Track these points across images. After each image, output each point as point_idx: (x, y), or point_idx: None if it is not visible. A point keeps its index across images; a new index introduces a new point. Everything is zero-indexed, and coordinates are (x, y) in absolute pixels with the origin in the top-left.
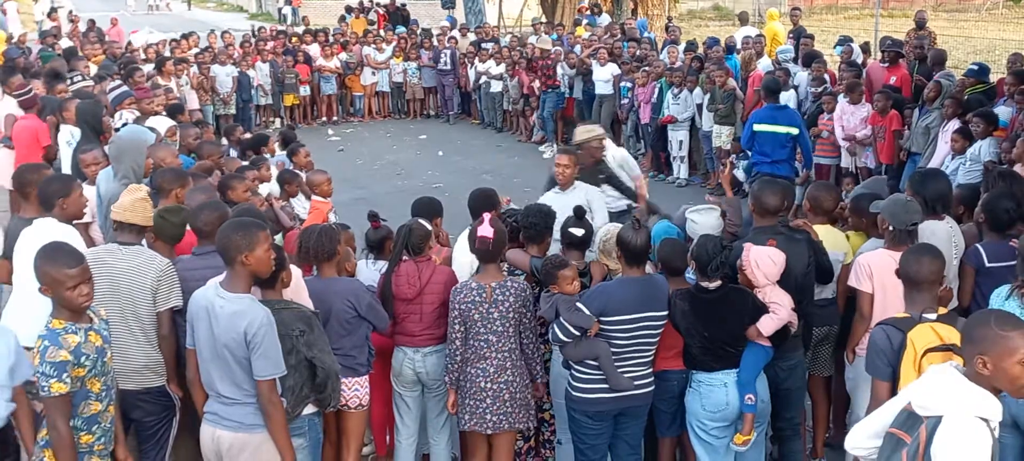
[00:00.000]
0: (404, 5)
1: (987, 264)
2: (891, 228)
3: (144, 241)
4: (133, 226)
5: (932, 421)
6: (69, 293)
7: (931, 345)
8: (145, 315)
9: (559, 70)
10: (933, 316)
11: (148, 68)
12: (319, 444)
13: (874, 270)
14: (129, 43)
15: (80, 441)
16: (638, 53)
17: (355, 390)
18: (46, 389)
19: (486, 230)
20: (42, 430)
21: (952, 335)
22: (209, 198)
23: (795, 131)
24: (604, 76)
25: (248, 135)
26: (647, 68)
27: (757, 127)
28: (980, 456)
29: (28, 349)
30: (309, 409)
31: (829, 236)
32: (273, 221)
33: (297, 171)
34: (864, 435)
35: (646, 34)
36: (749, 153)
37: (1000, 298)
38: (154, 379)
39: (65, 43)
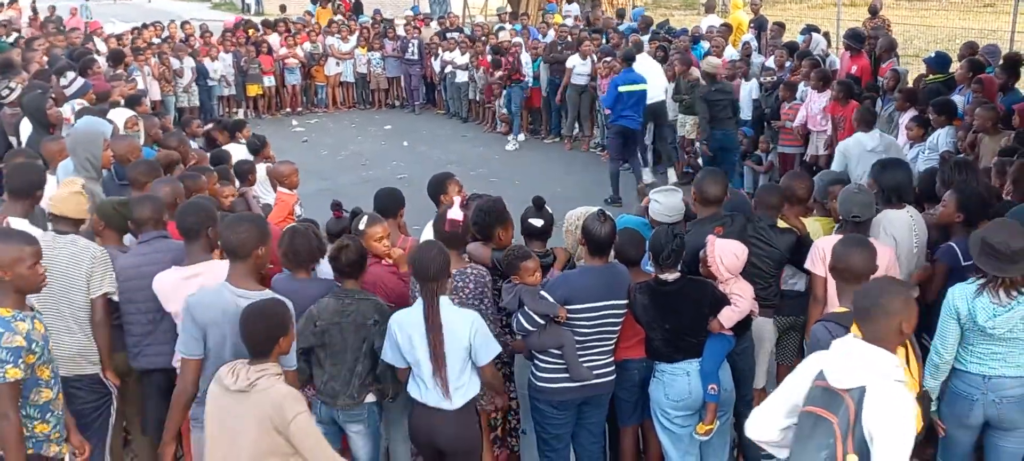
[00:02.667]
0: None
1: (963, 262)
2: (841, 217)
3: (92, 233)
4: (67, 219)
5: (856, 392)
6: (30, 271)
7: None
8: (79, 303)
9: (524, 60)
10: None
11: (102, 60)
12: (378, 433)
13: (827, 255)
14: (95, 34)
15: (35, 430)
16: (608, 44)
17: None
18: (1, 376)
19: (456, 213)
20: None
21: None
22: (174, 189)
23: (645, 87)
24: (584, 68)
25: (208, 126)
26: (608, 59)
27: (622, 88)
28: (911, 417)
29: None
30: (370, 398)
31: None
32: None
33: (252, 160)
34: (772, 421)
35: (623, 25)
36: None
37: (966, 297)
38: (87, 367)
39: (25, 33)
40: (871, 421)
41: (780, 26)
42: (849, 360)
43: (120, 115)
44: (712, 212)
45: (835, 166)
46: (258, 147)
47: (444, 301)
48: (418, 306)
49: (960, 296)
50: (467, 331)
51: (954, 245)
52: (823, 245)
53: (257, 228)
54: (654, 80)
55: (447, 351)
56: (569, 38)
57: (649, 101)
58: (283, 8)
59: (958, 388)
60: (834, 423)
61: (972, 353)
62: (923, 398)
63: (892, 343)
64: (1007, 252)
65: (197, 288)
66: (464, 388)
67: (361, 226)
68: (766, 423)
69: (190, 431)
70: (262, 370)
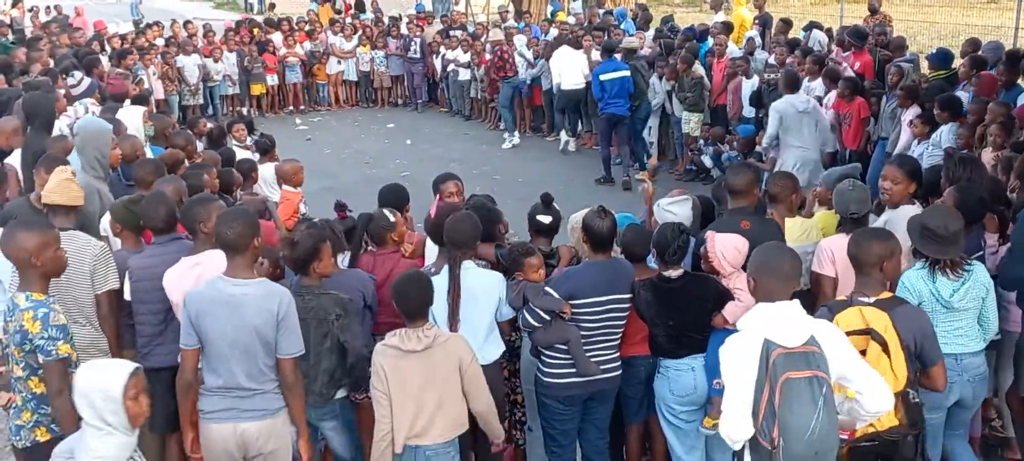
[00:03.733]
0: None
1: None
2: (839, 215)
3: (108, 232)
4: (62, 207)
5: (812, 342)
6: (56, 253)
7: (855, 328)
8: (84, 299)
9: (518, 58)
10: (868, 300)
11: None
12: (351, 426)
13: (835, 254)
14: (100, 34)
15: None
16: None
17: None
18: (53, 353)
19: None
20: (28, 412)
21: (878, 318)
22: (177, 188)
23: (626, 73)
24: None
25: (210, 126)
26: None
27: (602, 77)
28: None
29: None
30: (341, 393)
31: (796, 228)
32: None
33: (254, 158)
34: (744, 418)
35: (622, 24)
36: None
37: (923, 279)
38: (100, 357)
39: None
40: (836, 359)
41: (786, 22)
42: (789, 320)
43: (131, 113)
44: (741, 204)
45: (770, 126)
46: (268, 147)
47: (470, 265)
48: (444, 273)
49: (917, 279)
50: (497, 289)
51: None
52: (829, 245)
53: (251, 222)
54: (573, 68)
55: (471, 313)
56: (572, 35)
57: (567, 87)
58: (272, 6)
59: None
60: (825, 376)
61: (938, 333)
62: (905, 399)
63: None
64: (946, 234)
65: (196, 278)
66: (489, 348)
67: (391, 219)
68: (741, 423)
69: (198, 424)
70: (429, 328)
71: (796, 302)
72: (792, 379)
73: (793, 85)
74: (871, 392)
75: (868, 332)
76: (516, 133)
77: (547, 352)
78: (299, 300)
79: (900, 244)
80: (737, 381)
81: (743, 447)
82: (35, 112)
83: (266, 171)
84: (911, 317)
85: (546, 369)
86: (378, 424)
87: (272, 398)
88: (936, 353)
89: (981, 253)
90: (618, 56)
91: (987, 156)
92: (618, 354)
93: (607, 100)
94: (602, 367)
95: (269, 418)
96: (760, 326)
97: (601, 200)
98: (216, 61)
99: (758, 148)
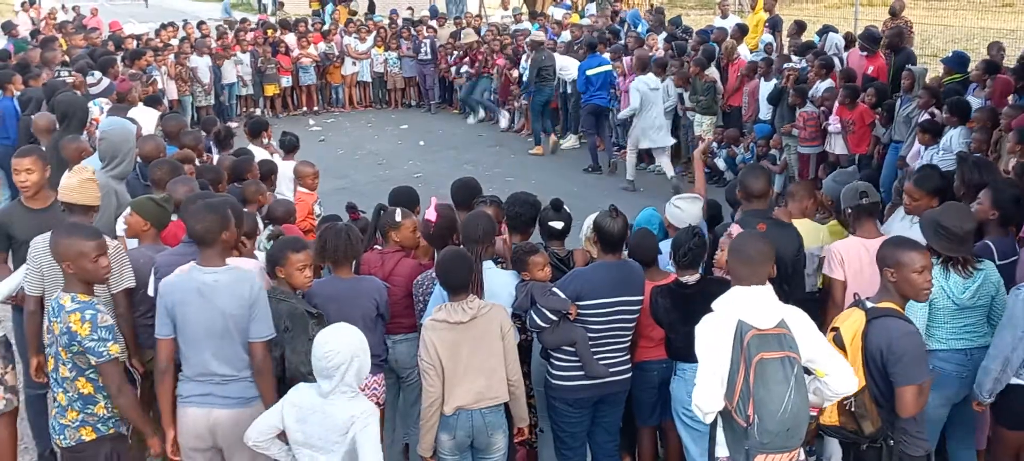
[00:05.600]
0: None
1: (998, 261)
2: (847, 210)
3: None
4: (80, 206)
5: (783, 325)
6: (94, 264)
7: (844, 327)
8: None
9: (523, 60)
10: (869, 304)
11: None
12: None
13: (845, 257)
14: (116, 34)
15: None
16: (622, 44)
17: (373, 390)
18: (105, 354)
19: (431, 213)
20: (99, 404)
21: (851, 323)
22: (190, 189)
23: (609, 67)
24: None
25: (218, 126)
26: (628, 58)
27: (588, 71)
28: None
29: None
30: None
31: (806, 230)
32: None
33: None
34: (716, 392)
35: (639, 27)
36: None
37: (937, 278)
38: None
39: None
40: (805, 342)
41: (799, 25)
42: (761, 303)
43: (146, 114)
44: (756, 207)
45: (632, 101)
46: (293, 146)
47: (487, 264)
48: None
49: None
50: (512, 284)
51: (990, 243)
52: (839, 249)
53: (221, 215)
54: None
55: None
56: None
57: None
58: (281, 5)
59: (944, 369)
60: (796, 358)
61: (947, 330)
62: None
63: None
64: (960, 232)
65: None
66: None
67: (398, 218)
68: (713, 395)
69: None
70: (472, 300)
71: (768, 287)
72: (766, 359)
73: (643, 67)
74: (836, 374)
75: (834, 330)
76: (504, 115)
77: (556, 354)
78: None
79: (928, 260)
80: (711, 357)
81: (717, 424)
82: (70, 112)
83: (287, 169)
84: (887, 330)
85: (555, 371)
86: (426, 393)
87: (248, 386)
88: (913, 375)
89: (1016, 257)
90: (603, 52)
91: (1009, 165)
92: (628, 356)
93: (592, 93)
94: (611, 369)
95: (242, 407)
96: (734, 308)
97: (595, 191)
98: (224, 60)
99: (622, 115)
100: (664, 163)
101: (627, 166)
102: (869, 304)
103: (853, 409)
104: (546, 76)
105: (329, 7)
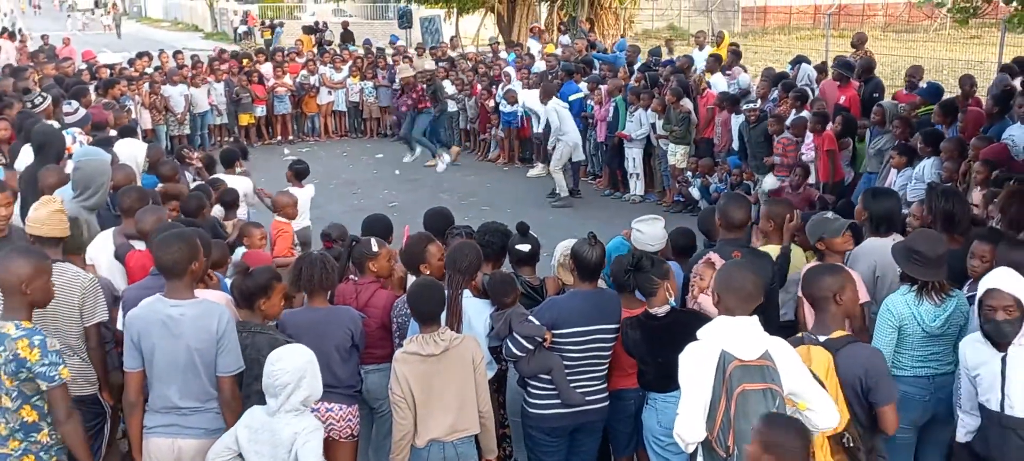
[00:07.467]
0: (347, 24)
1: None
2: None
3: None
4: (49, 239)
5: (766, 355)
6: (46, 284)
7: (813, 367)
8: (71, 330)
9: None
10: (820, 338)
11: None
12: None
13: None
14: (90, 63)
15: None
16: (597, 74)
17: (348, 421)
18: (56, 378)
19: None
20: (42, 432)
21: (820, 359)
22: (158, 218)
23: (581, 94)
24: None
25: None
26: (603, 87)
27: (569, 98)
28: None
29: None
30: None
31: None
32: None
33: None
34: (698, 422)
35: (623, 53)
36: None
37: (908, 304)
38: (87, 387)
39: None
40: (789, 375)
41: (735, 53)
42: (746, 334)
43: (132, 147)
44: (735, 236)
45: (553, 120)
46: (304, 172)
47: (467, 294)
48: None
49: (900, 304)
50: (486, 313)
51: None
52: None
53: (189, 246)
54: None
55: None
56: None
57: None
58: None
59: (908, 393)
60: (778, 390)
61: (913, 357)
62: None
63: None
64: (933, 257)
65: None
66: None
67: (374, 248)
68: (695, 426)
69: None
70: (443, 331)
71: (755, 318)
72: (748, 391)
73: (549, 94)
74: (820, 409)
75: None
76: (447, 156)
77: (532, 382)
78: (239, 336)
79: (852, 276)
80: (693, 386)
81: (697, 453)
82: (46, 143)
83: (305, 196)
84: (857, 357)
85: (532, 400)
86: (397, 426)
87: (214, 417)
88: (888, 393)
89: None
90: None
91: (976, 196)
92: (604, 385)
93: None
94: (587, 398)
95: (208, 438)
96: (718, 337)
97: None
98: (197, 88)
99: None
100: (559, 179)
101: (557, 183)
102: (822, 338)
103: (850, 444)
104: (439, 98)
105: (278, 31)
